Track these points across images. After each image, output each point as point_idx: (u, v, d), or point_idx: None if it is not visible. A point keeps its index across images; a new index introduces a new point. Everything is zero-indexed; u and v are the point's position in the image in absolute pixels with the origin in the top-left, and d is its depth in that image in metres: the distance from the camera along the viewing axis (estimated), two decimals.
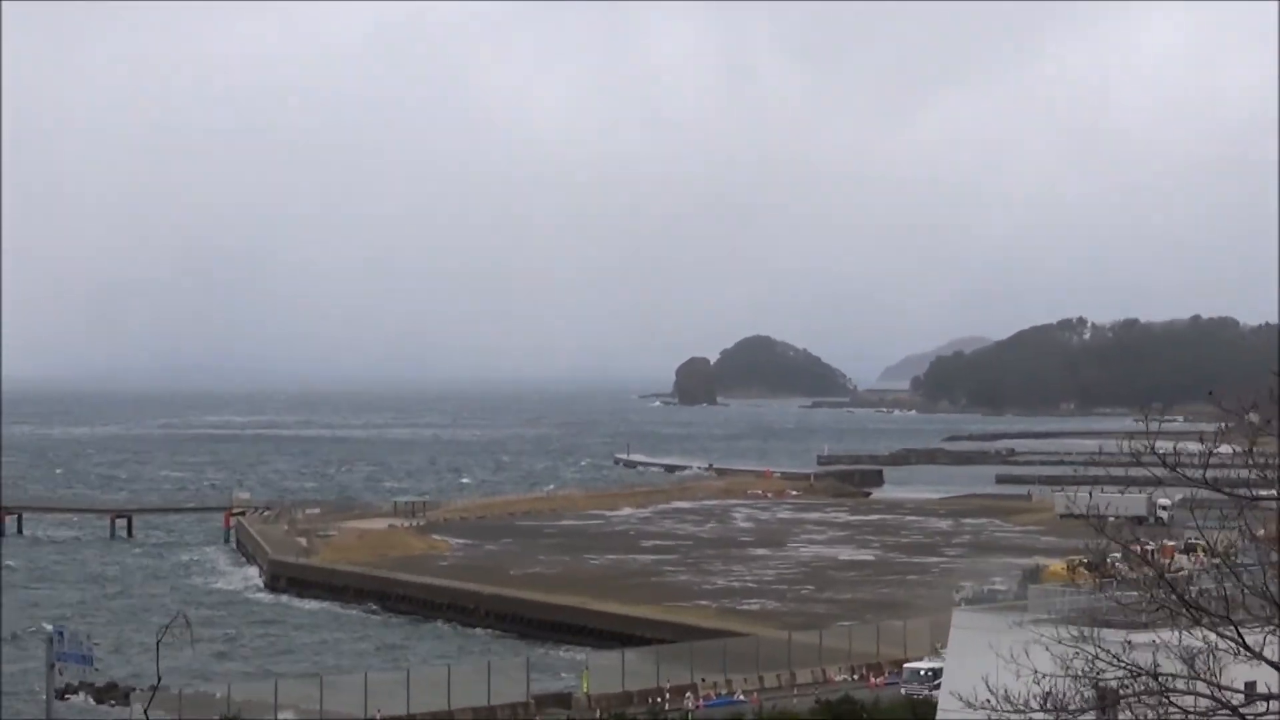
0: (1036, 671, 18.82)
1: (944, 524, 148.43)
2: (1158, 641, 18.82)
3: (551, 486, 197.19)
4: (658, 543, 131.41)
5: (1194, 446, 17.93)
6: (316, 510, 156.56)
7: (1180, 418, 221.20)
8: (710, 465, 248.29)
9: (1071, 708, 17.54)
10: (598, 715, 67.67)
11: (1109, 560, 24.45)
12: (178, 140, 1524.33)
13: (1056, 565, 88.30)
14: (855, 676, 74.35)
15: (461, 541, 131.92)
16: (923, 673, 66.79)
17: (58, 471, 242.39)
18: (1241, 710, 16.30)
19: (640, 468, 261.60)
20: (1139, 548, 19.94)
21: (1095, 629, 22.64)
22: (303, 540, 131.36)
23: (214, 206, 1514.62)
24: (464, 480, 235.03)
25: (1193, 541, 72.55)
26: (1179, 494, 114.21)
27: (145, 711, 54.42)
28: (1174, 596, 16.82)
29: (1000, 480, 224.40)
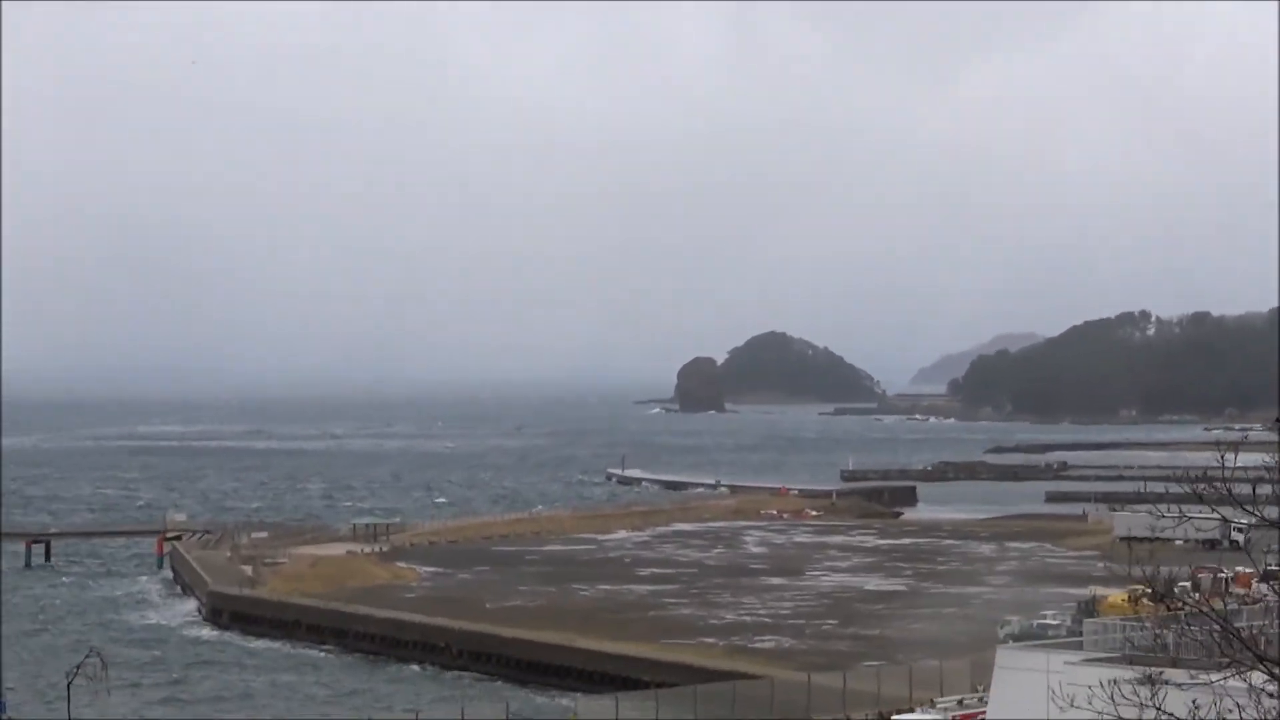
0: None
1: (987, 549, 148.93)
2: (1227, 685, 18.81)
3: (540, 508, 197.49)
4: (657, 571, 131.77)
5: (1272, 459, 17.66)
6: (264, 534, 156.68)
7: (1258, 425, 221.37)
8: (718, 482, 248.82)
9: None
10: None
11: (1176, 590, 24.25)
12: (117, 116, 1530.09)
13: (1116, 596, 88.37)
14: None
15: (431, 570, 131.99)
16: None
17: None
18: None
19: (637, 484, 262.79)
20: (1211, 576, 19.80)
21: (1159, 669, 22.41)
22: (248, 569, 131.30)
23: (154, 190, 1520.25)
24: (435, 499, 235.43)
25: (1274, 568, 72.40)
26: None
27: None
28: (1237, 643, 16.72)
29: (1051, 498, 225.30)
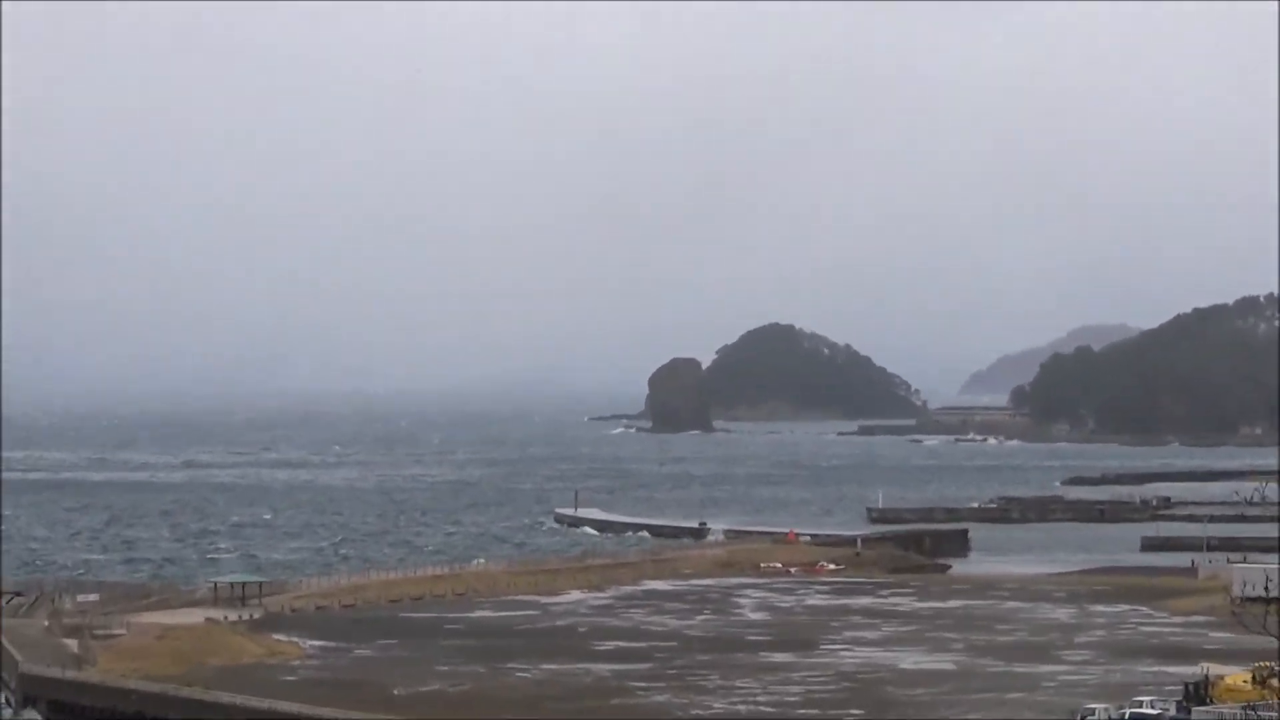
0: None
1: (1062, 613, 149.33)
2: None
3: (480, 561, 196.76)
4: (622, 645, 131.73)
5: None
6: (95, 596, 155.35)
7: None
8: (704, 524, 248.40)
9: None
10: None
11: None
12: None
13: (1236, 675, 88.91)
14: None
15: (319, 644, 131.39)
16: None
17: None
18: None
19: (595, 528, 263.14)
20: None
21: None
22: (73, 643, 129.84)
23: None
24: (325, 546, 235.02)
25: None
26: None
27: None
28: None
29: (1149, 546, 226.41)
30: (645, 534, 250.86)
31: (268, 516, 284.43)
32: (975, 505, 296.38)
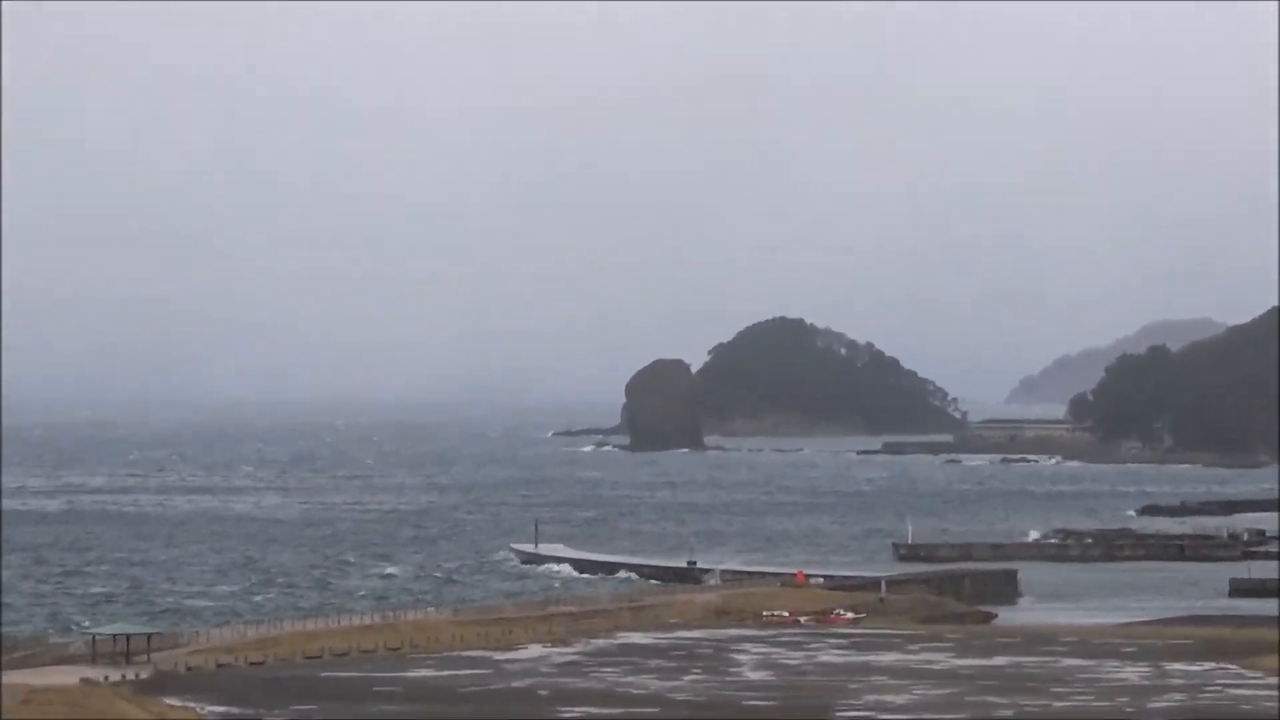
0: None
1: (1133, 673, 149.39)
2: None
3: (431, 609, 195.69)
4: (592, 711, 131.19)
5: None
6: None
7: None
8: (692, 561, 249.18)
9: None
10: None
11: None
12: None
13: None
14: None
15: (221, 710, 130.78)
16: None
17: None
18: None
19: (559, 567, 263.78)
20: None
21: None
22: None
23: None
24: (231, 589, 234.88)
25: None
26: None
27: None
28: None
29: (1239, 590, 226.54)
30: (624, 574, 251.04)
31: (162, 556, 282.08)
32: (1027, 540, 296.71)
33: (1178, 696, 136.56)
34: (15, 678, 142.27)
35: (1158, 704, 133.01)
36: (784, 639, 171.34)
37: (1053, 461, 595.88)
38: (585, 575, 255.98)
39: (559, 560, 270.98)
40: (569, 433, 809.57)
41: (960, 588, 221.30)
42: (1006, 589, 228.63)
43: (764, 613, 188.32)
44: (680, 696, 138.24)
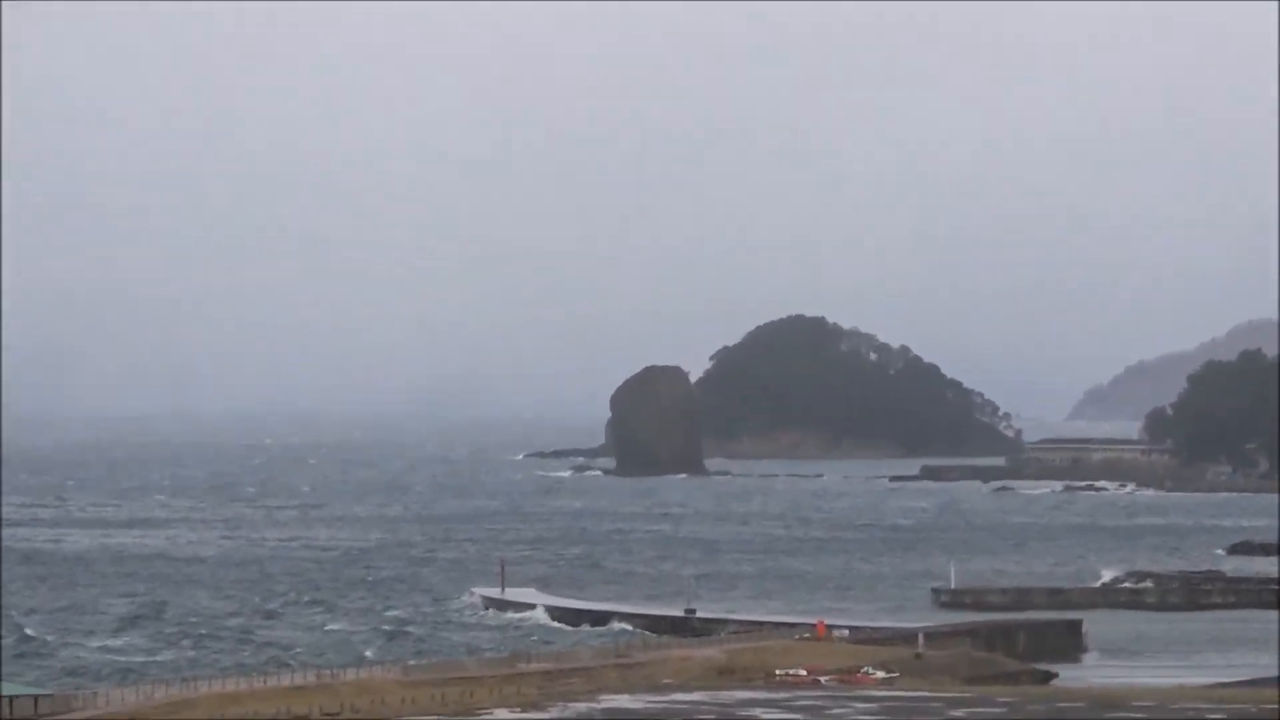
0: None
1: None
2: None
3: (382, 666, 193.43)
4: None
5: None
6: None
7: None
8: (691, 609, 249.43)
9: None
10: None
11: None
12: None
13: None
14: None
15: None
16: None
17: None
18: None
19: (531, 615, 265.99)
20: None
21: None
22: None
23: None
24: (137, 643, 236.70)
25: None
26: None
27: None
28: None
29: None
30: (614, 624, 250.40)
31: (56, 602, 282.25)
32: (1094, 584, 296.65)
33: None
34: None
35: None
36: (801, 703, 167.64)
37: (1125, 489, 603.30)
38: (562, 625, 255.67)
39: (530, 607, 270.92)
40: (542, 454, 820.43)
41: (1013, 641, 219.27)
42: (1069, 643, 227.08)
43: (777, 671, 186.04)
44: None
